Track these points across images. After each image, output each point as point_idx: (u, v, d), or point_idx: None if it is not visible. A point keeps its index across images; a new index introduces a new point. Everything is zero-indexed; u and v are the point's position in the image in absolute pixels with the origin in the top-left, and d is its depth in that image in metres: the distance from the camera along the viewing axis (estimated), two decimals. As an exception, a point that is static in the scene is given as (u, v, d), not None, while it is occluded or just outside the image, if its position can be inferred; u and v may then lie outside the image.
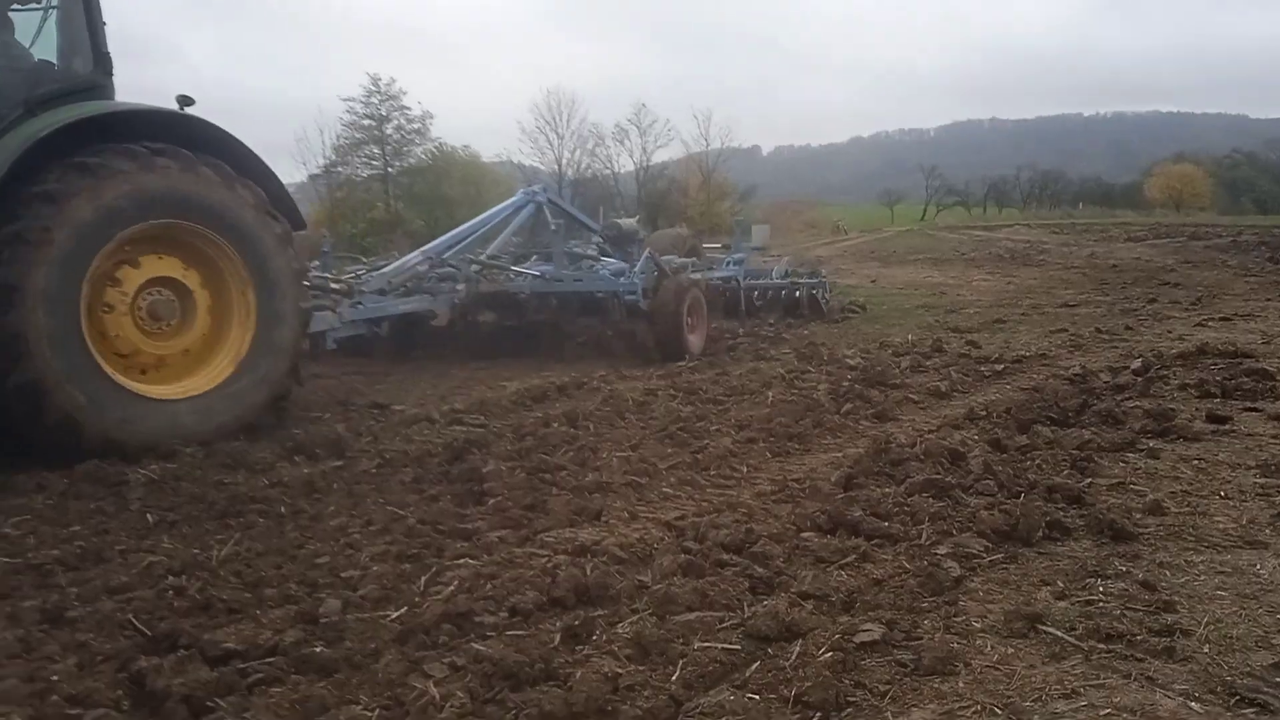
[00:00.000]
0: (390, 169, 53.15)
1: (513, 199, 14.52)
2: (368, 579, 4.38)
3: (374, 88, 52.59)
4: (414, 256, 11.98)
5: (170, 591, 4.30)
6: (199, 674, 3.49)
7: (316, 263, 11.66)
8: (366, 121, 52.69)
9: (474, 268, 11.95)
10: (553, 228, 13.61)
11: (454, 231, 13.88)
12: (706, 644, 3.63)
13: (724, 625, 3.82)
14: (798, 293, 15.53)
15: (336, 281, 10.55)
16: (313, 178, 53.47)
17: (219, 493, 5.94)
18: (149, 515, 5.57)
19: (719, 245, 18.97)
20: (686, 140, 59.53)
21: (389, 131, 52.90)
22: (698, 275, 12.61)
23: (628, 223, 15.63)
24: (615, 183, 56.73)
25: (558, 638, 3.73)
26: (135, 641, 3.84)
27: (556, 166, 55.09)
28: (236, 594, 4.25)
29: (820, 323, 14.89)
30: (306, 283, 9.66)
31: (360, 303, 10.14)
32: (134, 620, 3.99)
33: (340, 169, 52.79)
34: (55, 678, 3.53)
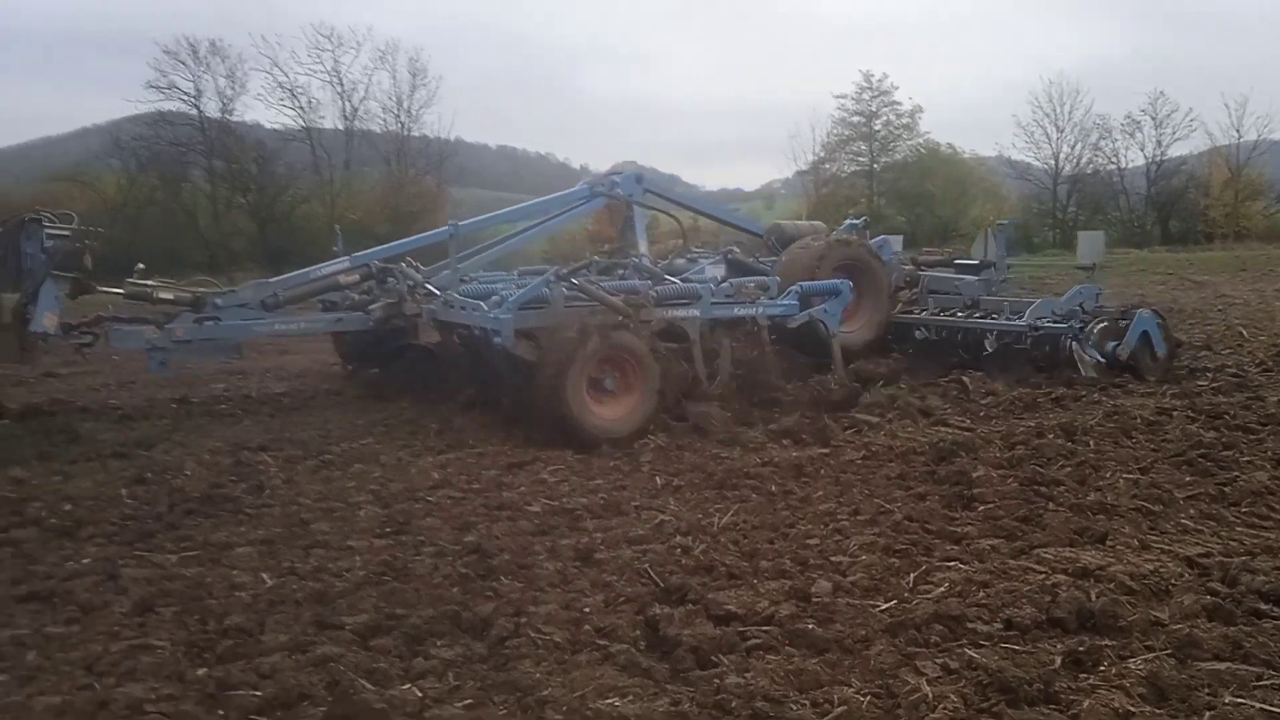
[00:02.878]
0: (875, 165, 53.30)
1: (572, 189, 11.32)
2: (856, 567, 4.47)
3: (866, 84, 52.99)
4: (337, 263, 9.39)
5: (679, 550, 4.73)
6: (704, 629, 3.80)
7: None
8: (855, 118, 53.28)
9: (408, 283, 9.17)
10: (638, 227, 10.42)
11: (434, 231, 10.68)
12: (1240, 699, 3.20)
13: (1261, 682, 3.34)
14: (1054, 342, 9.79)
15: (170, 289, 8.59)
16: (799, 174, 55.28)
17: (717, 465, 6.41)
18: (657, 478, 6.17)
19: (939, 256, 13.79)
20: (1212, 131, 52.22)
21: (877, 127, 53.04)
22: (690, 313, 8.26)
23: (798, 225, 12.14)
24: (1120, 179, 51.66)
25: (1059, 660, 3.51)
26: (650, 589, 4.27)
27: (1053, 162, 51.43)
28: (736, 561, 4.55)
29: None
30: (120, 290, 8.29)
31: (216, 318, 8.35)
32: (650, 570, 4.45)
33: (827, 165, 53.93)
34: (587, 610, 4.05)
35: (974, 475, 5.93)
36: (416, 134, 44.07)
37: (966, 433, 7.32)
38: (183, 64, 38.02)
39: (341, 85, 42.55)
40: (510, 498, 5.77)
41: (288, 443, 7.34)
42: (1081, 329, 9.68)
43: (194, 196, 37.75)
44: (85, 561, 4.76)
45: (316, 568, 4.60)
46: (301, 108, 41.98)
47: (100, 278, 8.14)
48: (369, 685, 3.37)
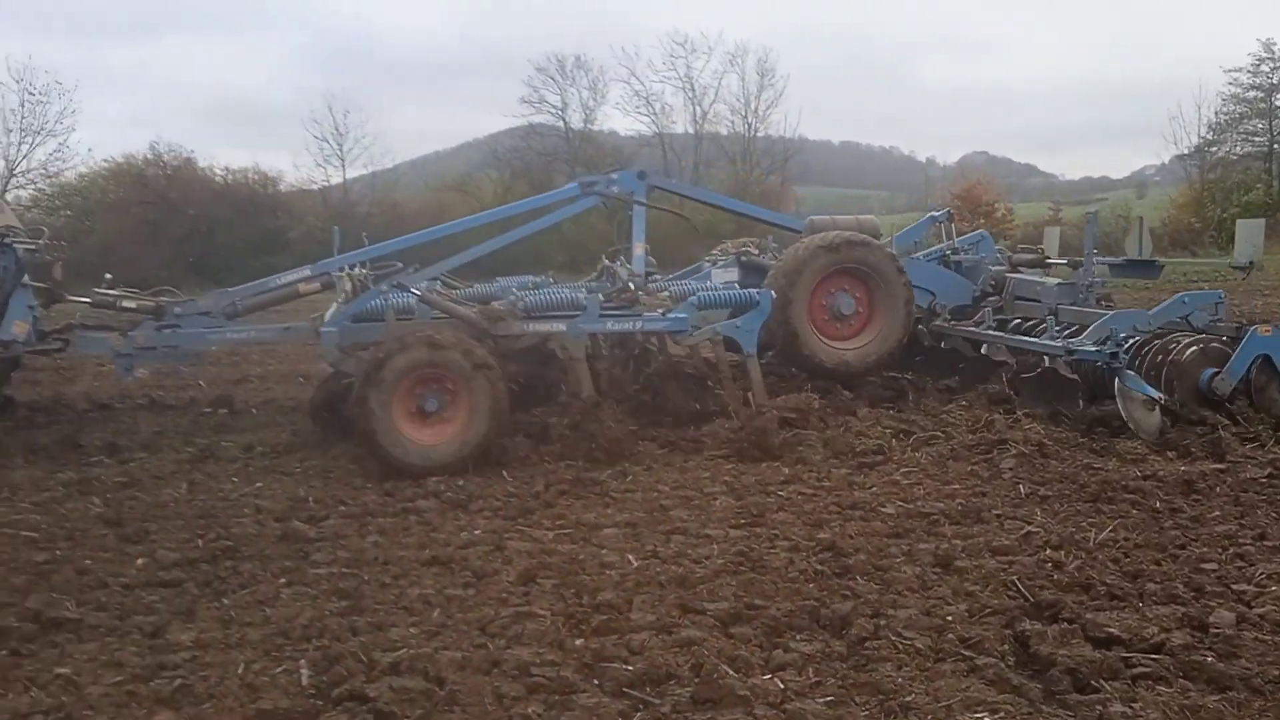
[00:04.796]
0: (1275, 145, 46.69)
1: (563, 188, 10.35)
2: (1265, 598, 3.96)
3: (1265, 53, 46.54)
4: (297, 272, 8.97)
5: (1049, 564, 4.44)
6: (1082, 651, 3.53)
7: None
8: (1251, 93, 46.90)
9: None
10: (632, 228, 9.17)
11: (420, 233, 9.90)
12: None
13: None
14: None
15: (133, 298, 8.56)
16: (1178, 158, 49.65)
17: (1089, 476, 5.94)
18: (1021, 486, 5.82)
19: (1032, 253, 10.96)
20: None
21: (1278, 103, 46.42)
22: (559, 327, 7.40)
23: (837, 220, 10.08)
24: None
25: None
26: (1018, 603, 4.04)
27: None
28: (1116, 581, 4.20)
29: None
30: (87, 299, 8.39)
31: (177, 326, 8.29)
32: (1017, 583, 4.21)
33: (1213, 148, 47.99)
34: (949, 618, 3.90)
35: None
36: (762, 134, 44.79)
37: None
38: (552, 79, 41.40)
39: (693, 90, 44.19)
40: (862, 497, 5.70)
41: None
42: (1115, 355, 7.19)
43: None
44: (476, 532, 5.28)
45: (677, 553, 4.80)
46: (655, 114, 44.11)
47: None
48: (731, 672, 3.46)
